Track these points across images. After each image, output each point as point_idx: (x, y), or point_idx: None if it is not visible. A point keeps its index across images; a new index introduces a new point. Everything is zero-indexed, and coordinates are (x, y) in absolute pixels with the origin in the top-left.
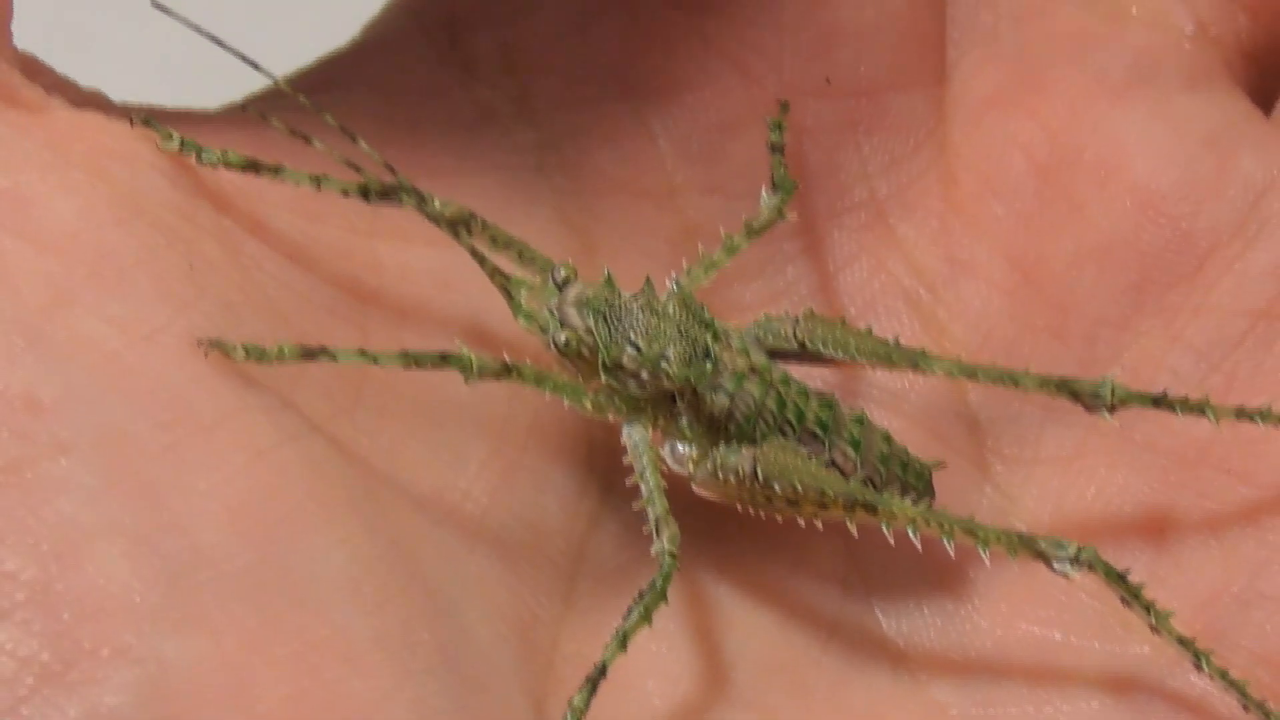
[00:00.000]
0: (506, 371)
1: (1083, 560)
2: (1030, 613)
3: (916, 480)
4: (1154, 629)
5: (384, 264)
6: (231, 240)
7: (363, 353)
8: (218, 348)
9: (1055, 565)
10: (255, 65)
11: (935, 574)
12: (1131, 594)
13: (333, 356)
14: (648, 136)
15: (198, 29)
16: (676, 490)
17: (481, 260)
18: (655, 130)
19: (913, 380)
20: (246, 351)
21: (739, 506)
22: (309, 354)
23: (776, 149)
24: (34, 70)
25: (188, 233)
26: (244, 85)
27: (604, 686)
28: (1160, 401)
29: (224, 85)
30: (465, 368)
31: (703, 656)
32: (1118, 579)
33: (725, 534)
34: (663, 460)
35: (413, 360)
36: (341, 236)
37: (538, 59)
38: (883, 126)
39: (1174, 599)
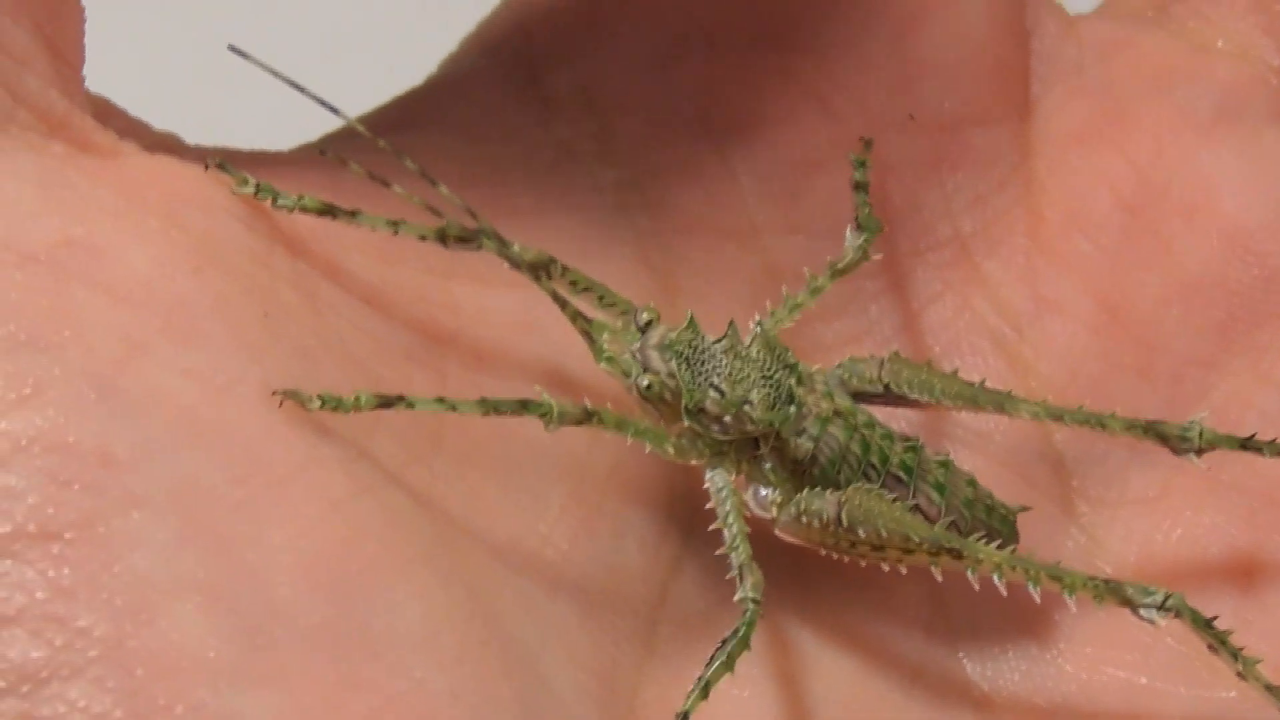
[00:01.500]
0: (588, 417)
1: (1169, 606)
2: (1115, 657)
3: (1001, 525)
4: (1241, 675)
5: (461, 307)
6: (307, 285)
7: (441, 400)
8: (293, 398)
9: (1142, 612)
10: (333, 109)
11: (1019, 618)
12: (1218, 640)
13: (410, 404)
14: (729, 175)
15: (274, 72)
16: (757, 533)
17: (563, 304)
18: (737, 169)
19: (997, 421)
20: (322, 401)
21: (823, 551)
22: (386, 402)
23: (860, 187)
24: (106, 114)
25: (263, 279)
26: (315, 127)
27: None
28: (1249, 444)
29: (295, 127)
30: (546, 414)
31: (786, 702)
32: (1204, 625)
33: (807, 578)
34: (746, 505)
35: (492, 407)
36: (418, 279)
37: (618, 97)
38: (967, 162)
39: (1261, 643)
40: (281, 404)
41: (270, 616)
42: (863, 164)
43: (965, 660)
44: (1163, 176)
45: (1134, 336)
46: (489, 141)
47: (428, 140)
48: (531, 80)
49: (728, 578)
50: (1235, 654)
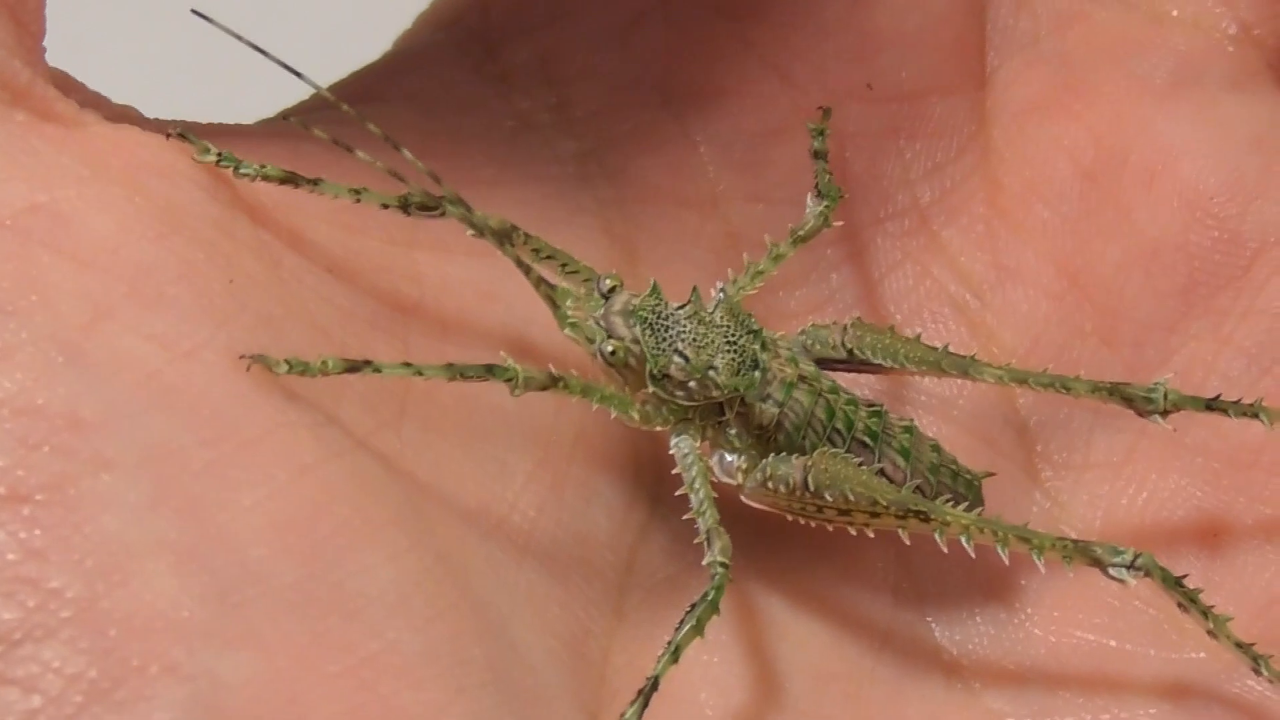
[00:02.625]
0: (553, 382)
1: (1139, 566)
2: (1084, 620)
3: (966, 489)
4: (1212, 634)
5: (424, 276)
6: (270, 254)
7: (407, 365)
8: (260, 362)
9: (1111, 571)
10: (299, 74)
11: (987, 582)
12: (1188, 599)
13: (377, 369)
14: (689, 144)
15: (242, 39)
16: (723, 500)
17: (527, 270)
18: (697, 138)
19: (960, 386)
20: (289, 365)
21: (789, 517)
22: (353, 367)
23: (820, 156)
24: (66, 86)
25: (226, 247)
26: (271, 105)
27: (656, 699)
28: (1213, 405)
29: (248, 99)
30: (511, 379)
31: (756, 667)
32: (1175, 584)
33: (774, 544)
34: (711, 471)
35: (458, 372)
36: (381, 249)
37: (576, 68)
38: (925, 132)
39: (1229, 604)
40: (249, 368)
41: (243, 577)
42: (821, 133)
43: (934, 625)
44: (1121, 144)
45: (1095, 302)
46: (448, 114)
47: (386, 113)
48: (489, 53)
49: (695, 543)
50: (1205, 612)
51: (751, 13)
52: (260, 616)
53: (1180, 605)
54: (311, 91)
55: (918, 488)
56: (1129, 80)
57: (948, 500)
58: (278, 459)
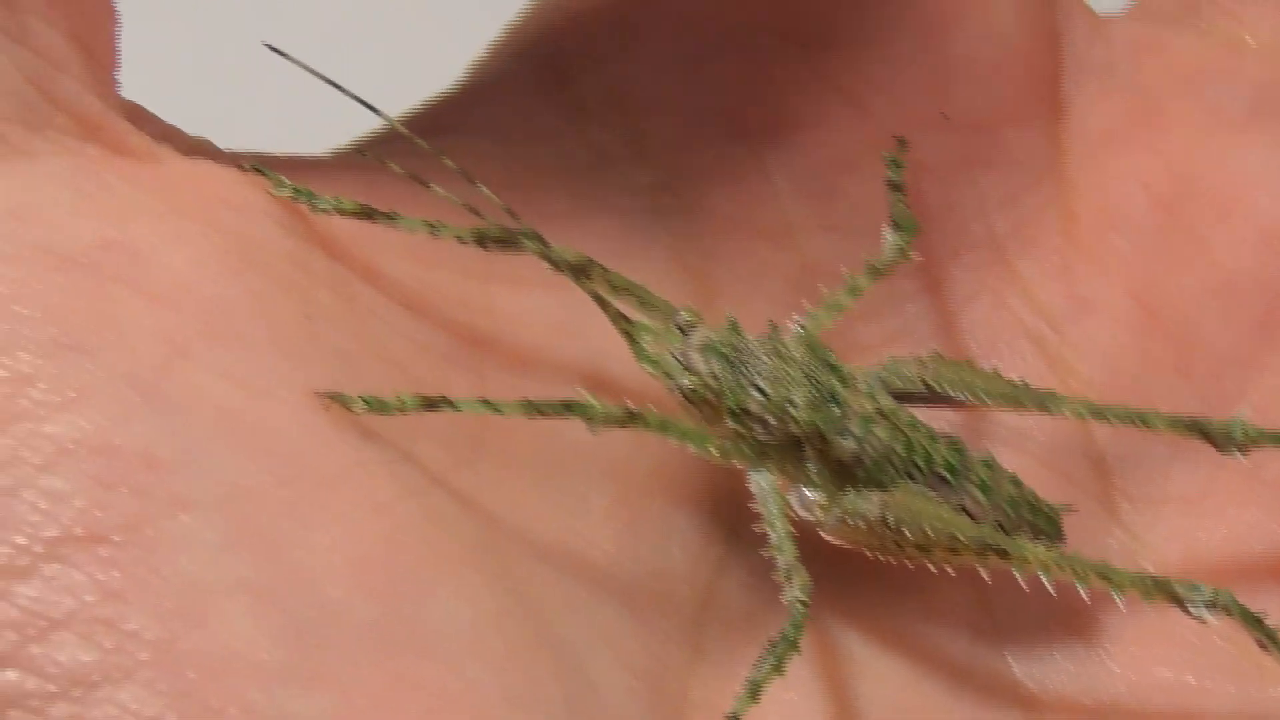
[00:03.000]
0: (631, 419)
1: (1219, 604)
2: (1163, 656)
3: (1046, 524)
4: None
5: (499, 309)
6: (347, 288)
7: (485, 402)
8: (337, 400)
9: (1191, 609)
10: (373, 108)
11: (1066, 618)
12: (1269, 637)
13: (454, 406)
14: (764, 175)
15: (315, 72)
16: (801, 536)
17: (605, 305)
18: (771, 168)
19: (1037, 420)
20: (366, 403)
21: (869, 553)
22: (430, 404)
23: (896, 187)
24: (139, 119)
25: (302, 282)
26: (343, 135)
27: None
28: None
29: (321, 129)
30: (590, 415)
31: (835, 705)
32: (1254, 622)
33: (851, 580)
34: (790, 507)
35: (536, 409)
36: (456, 282)
37: (649, 98)
38: (1000, 162)
39: None
40: (326, 407)
41: (320, 617)
42: (897, 163)
43: (1012, 661)
44: (1197, 174)
45: (1172, 335)
46: (521, 144)
47: (460, 144)
48: (562, 83)
49: (773, 579)
50: None
51: (825, 43)
52: (338, 656)
53: (1259, 643)
54: (384, 123)
55: (997, 523)
56: (1205, 110)
57: (1027, 535)
58: (354, 498)
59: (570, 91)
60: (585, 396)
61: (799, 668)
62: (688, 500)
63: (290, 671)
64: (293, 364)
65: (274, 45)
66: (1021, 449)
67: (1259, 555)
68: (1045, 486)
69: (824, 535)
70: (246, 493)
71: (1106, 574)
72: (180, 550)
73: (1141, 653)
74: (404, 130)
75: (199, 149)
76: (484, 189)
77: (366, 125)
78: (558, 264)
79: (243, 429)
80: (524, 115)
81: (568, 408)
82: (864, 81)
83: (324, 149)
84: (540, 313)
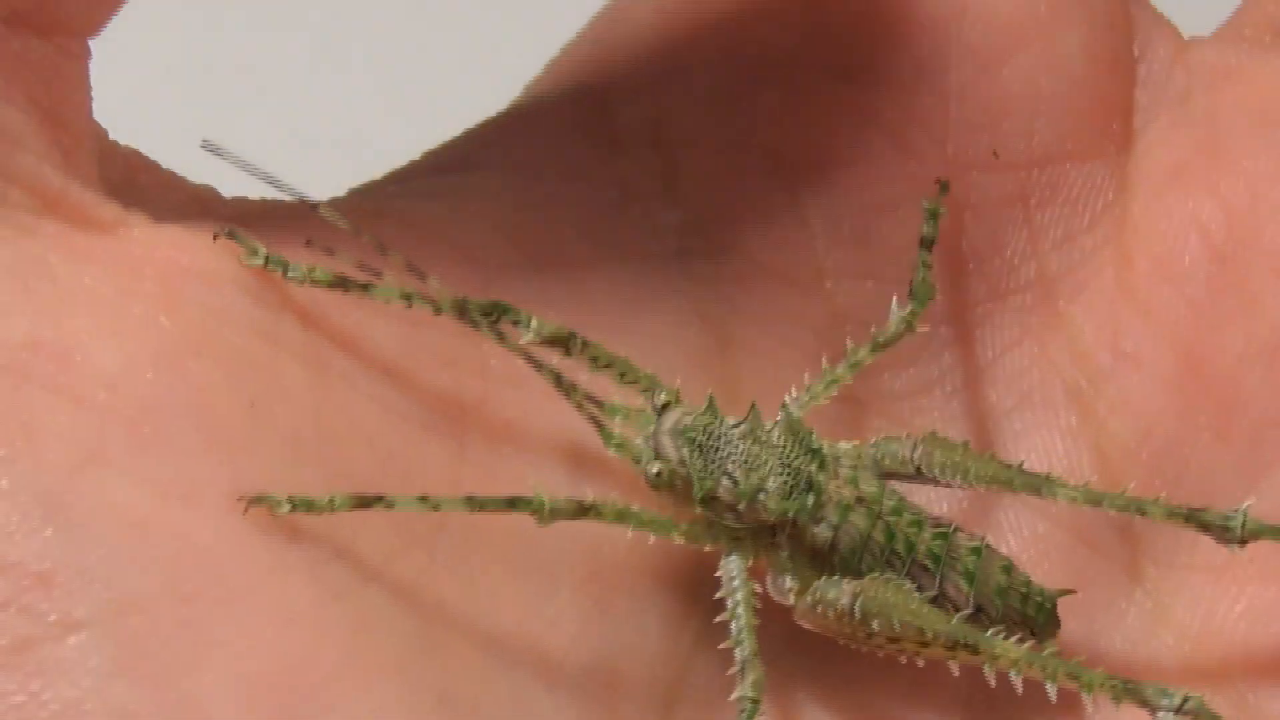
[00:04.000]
0: (584, 512)
1: (1187, 710)
2: None
3: (1037, 612)
4: None
5: (491, 369)
6: (318, 356)
7: (424, 499)
8: (260, 503)
9: (1159, 715)
10: (301, 196)
11: (1064, 696)
12: None
13: (390, 505)
14: (798, 216)
15: (246, 166)
16: (781, 615)
17: (568, 391)
18: (807, 209)
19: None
20: (293, 505)
21: (841, 640)
22: (363, 503)
23: (926, 244)
24: (135, 168)
25: (264, 357)
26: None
27: None
28: None
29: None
30: (537, 511)
31: None
32: None
33: (835, 657)
34: (766, 589)
35: (478, 505)
36: (446, 342)
37: (686, 131)
38: (1057, 199)
39: None
40: (247, 510)
41: None
42: (934, 215)
43: None
44: (1255, 224)
45: (1213, 395)
46: (550, 182)
47: (485, 181)
48: (602, 114)
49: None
50: None
51: (870, 78)
52: None
53: None
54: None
55: (979, 609)
56: (1270, 151)
57: (1002, 631)
58: (263, 610)
59: (608, 123)
60: (535, 492)
61: None
62: (662, 584)
63: None
64: (222, 463)
65: (211, 144)
66: (1044, 513)
67: (1275, 634)
68: (1066, 553)
69: (798, 620)
70: (143, 611)
71: (1076, 674)
72: (63, 676)
73: None
74: (339, 221)
75: (197, 199)
76: (434, 281)
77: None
78: (535, 337)
79: (149, 540)
80: (558, 147)
81: (512, 504)
82: (909, 118)
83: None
84: (533, 373)
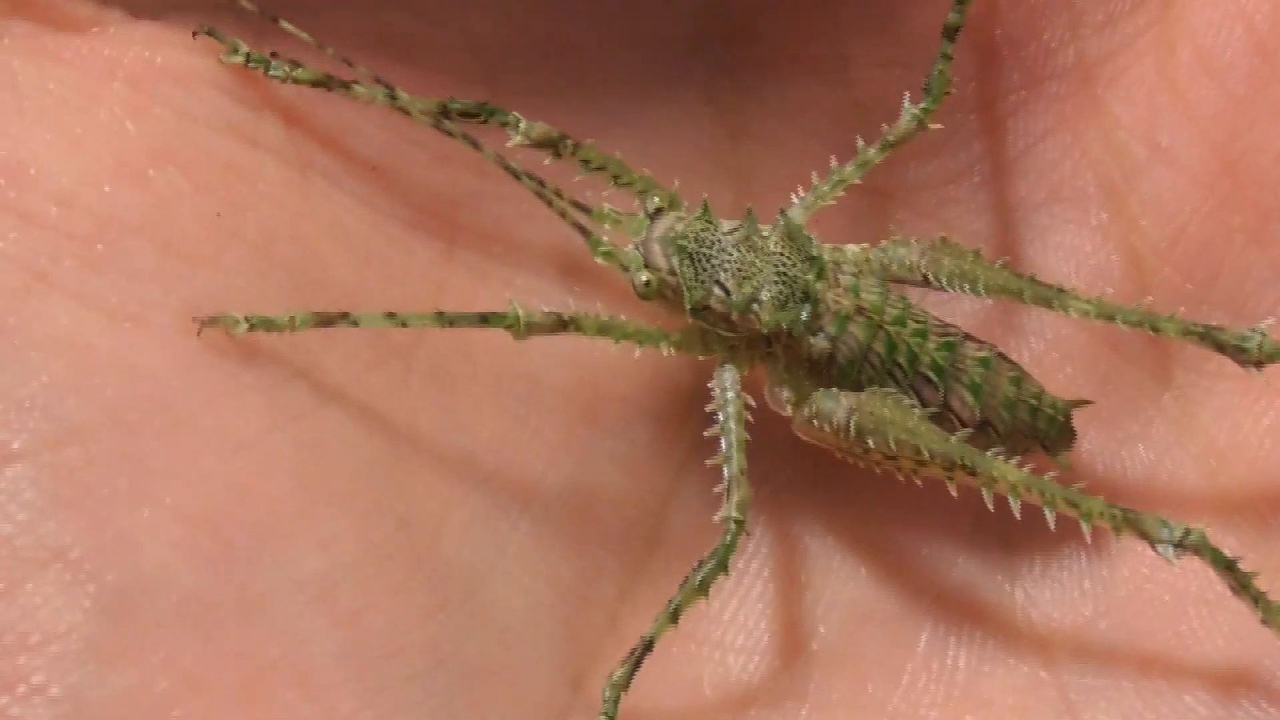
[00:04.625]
0: (563, 325)
1: (1188, 544)
2: (1155, 575)
3: (1048, 425)
4: (1264, 622)
5: (487, 167)
6: (300, 155)
7: (391, 315)
8: (216, 324)
9: (1158, 548)
10: None
11: (1065, 537)
12: (1240, 584)
13: (354, 322)
14: (824, 3)
15: None
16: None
17: (549, 200)
18: None
19: (1089, 286)
20: (251, 324)
21: (838, 454)
22: (326, 320)
23: (949, 32)
24: None
25: (242, 158)
26: None
27: (679, 634)
28: None
29: None
30: (512, 326)
31: (786, 609)
32: (1225, 566)
33: (835, 470)
34: (764, 398)
35: (448, 321)
36: (441, 137)
37: None
38: None
39: None
40: (200, 331)
41: (136, 589)
42: (963, 0)
43: (1005, 580)
44: None
45: (1249, 197)
46: None
47: None
48: None
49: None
50: (1257, 598)
51: None
52: (148, 631)
53: (1231, 588)
54: None
55: (985, 422)
56: None
57: (1022, 440)
58: (211, 438)
59: None
60: (511, 304)
61: (762, 565)
62: (640, 422)
63: (90, 649)
64: (181, 280)
65: None
66: (1066, 318)
67: None
68: (1092, 358)
69: (795, 432)
70: (81, 442)
71: (1075, 502)
72: (1, 512)
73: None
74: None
75: None
76: (402, 95)
77: None
78: (524, 139)
79: (94, 367)
80: None
81: (485, 319)
82: None
83: None
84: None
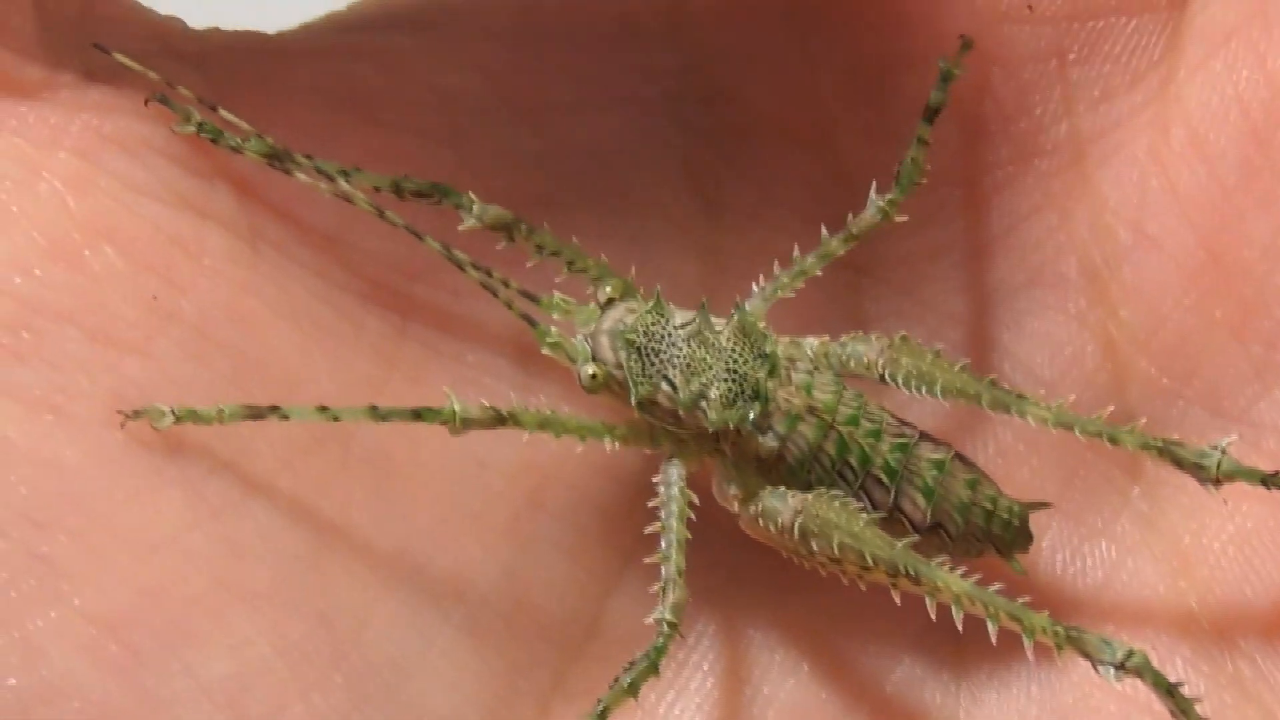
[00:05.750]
0: (500, 421)
1: (1130, 666)
2: (1102, 684)
3: (1004, 529)
4: None
5: (445, 239)
6: (250, 225)
7: (322, 409)
8: (140, 417)
9: (1100, 669)
10: None
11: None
12: (1180, 709)
13: (284, 415)
14: (809, 67)
15: None
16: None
17: (496, 290)
18: (819, 60)
19: (1064, 372)
20: (177, 416)
21: (784, 554)
22: (255, 414)
23: (929, 115)
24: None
25: (188, 233)
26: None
27: None
28: (1271, 481)
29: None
30: (448, 421)
31: (726, 702)
32: (1166, 689)
33: (783, 567)
34: (712, 493)
35: (382, 416)
36: (400, 205)
37: None
38: (1098, 56)
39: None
40: (124, 425)
41: (36, 696)
42: (947, 79)
43: (946, 675)
44: None
45: (1233, 290)
46: (547, 11)
47: (481, 7)
48: None
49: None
50: None
51: None
52: None
53: (1172, 714)
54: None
55: (938, 525)
56: None
57: (975, 543)
58: (126, 536)
59: None
60: (450, 398)
61: (704, 657)
62: (586, 508)
63: None
64: (108, 369)
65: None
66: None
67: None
68: (1060, 447)
69: (741, 527)
70: None
71: (1019, 617)
72: None
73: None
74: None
75: (158, 33)
76: (359, 176)
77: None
78: (477, 222)
79: (7, 460)
80: None
81: (418, 415)
82: None
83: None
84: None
